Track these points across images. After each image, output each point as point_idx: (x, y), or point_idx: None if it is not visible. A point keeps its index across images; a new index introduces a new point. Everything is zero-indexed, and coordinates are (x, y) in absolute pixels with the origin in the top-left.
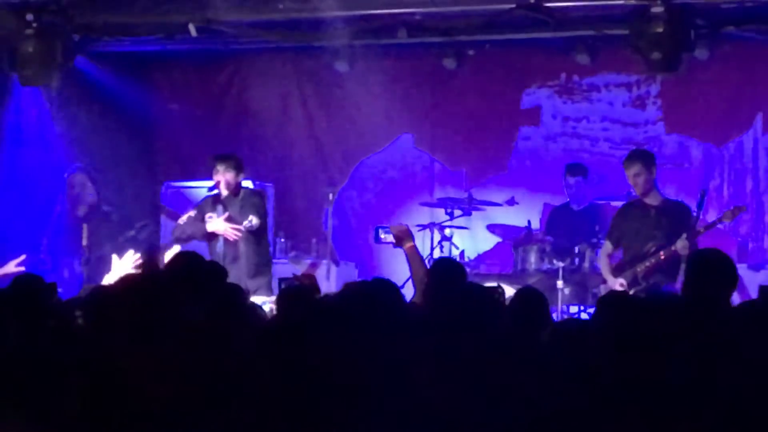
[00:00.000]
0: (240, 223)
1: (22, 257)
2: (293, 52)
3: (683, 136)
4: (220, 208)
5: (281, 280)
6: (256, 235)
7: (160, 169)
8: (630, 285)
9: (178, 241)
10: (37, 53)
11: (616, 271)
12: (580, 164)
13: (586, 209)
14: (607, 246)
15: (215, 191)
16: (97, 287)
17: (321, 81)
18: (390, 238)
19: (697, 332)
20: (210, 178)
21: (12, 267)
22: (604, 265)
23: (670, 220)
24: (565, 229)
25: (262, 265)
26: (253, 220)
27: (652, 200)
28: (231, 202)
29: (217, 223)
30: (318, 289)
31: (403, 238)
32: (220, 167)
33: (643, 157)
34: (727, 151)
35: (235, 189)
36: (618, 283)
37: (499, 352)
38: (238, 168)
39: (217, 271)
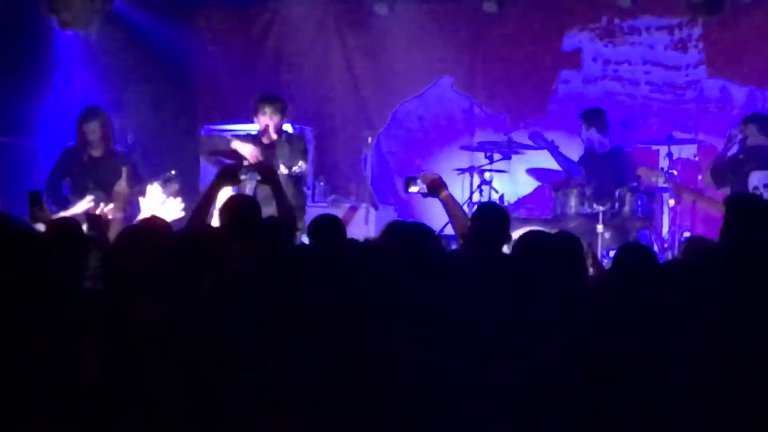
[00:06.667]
0: (289, 168)
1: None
2: None
3: (725, 80)
4: (268, 151)
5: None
6: (295, 178)
7: (199, 112)
8: None
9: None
10: None
11: None
12: (592, 110)
13: (611, 152)
14: None
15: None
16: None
17: (360, 24)
18: (417, 188)
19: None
20: (249, 120)
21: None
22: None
23: None
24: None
25: (296, 209)
26: (303, 165)
27: None
28: (279, 146)
29: (244, 146)
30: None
31: (437, 187)
32: (268, 109)
33: None
34: None
35: (279, 132)
36: None
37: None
38: (284, 110)
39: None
